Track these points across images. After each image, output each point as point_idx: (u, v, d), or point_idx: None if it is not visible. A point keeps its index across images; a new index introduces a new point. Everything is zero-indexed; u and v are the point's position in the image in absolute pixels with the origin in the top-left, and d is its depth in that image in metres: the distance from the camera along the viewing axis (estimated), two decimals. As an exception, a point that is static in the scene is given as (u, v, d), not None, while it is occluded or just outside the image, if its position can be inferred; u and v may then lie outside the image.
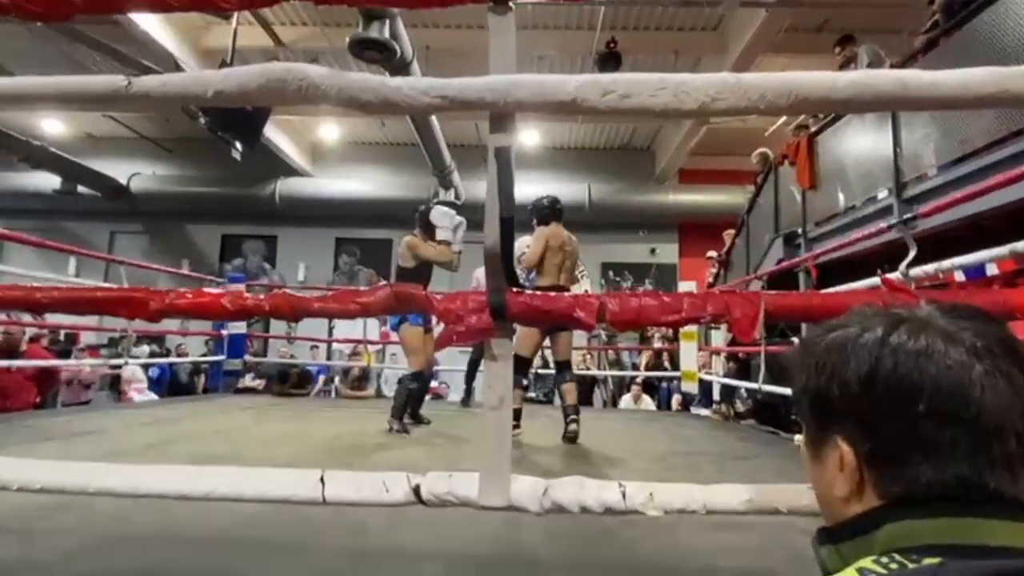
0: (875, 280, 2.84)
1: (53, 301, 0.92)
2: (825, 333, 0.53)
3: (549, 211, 3.54)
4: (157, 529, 1.44)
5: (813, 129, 5.55)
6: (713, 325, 3.77)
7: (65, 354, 7.31)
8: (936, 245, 2.65)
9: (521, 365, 3.15)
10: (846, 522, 0.48)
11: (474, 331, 0.88)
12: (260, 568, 1.28)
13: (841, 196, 5.15)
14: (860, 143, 4.96)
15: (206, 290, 0.91)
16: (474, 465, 0.88)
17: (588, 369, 7.97)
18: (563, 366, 3.34)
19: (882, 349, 0.47)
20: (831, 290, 3.43)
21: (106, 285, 5.51)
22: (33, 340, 5.02)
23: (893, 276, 2.52)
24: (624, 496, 0.81)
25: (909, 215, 2.69)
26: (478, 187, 9.87)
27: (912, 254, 2.31)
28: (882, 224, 4.11)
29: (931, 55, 3.85)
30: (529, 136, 10.03)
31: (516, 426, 3.18)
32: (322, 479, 0.85)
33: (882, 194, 4.48)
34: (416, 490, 0.84)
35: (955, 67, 0.84)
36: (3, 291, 0.92)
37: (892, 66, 4.49)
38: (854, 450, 0.47)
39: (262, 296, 0.94)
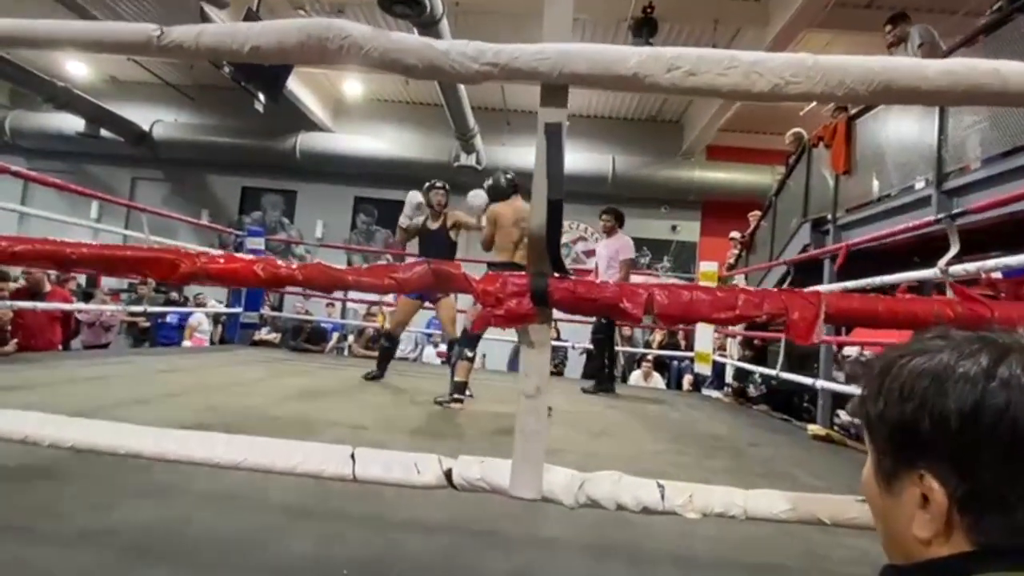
0: (912, 274, 2.76)
1: (81, 258, 0.90)
2: (910, 356, 0.47)
3: (508, 189, 3.52)
4: (178, 484, 1.46)
5: (853, 111, 5.34)
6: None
7: (87, 297, 7.46)
8: (964, 240, 2.54)
9: (475, 339, 3.32)
10: (925, 564, 0.43)
11: (513, 316, 0.84)
12: (279, 532, 1.29)
13: (876, 183, 4.98)
14: (902, 129, 4.77)
15: (238, 255, 0.88)
16: (505, 452, 0.86)
17: (600, 343, 7.95)
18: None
19: (988, 382, 0.41)
20: (863, 281, 3.35)
21: (135, 244, 5.55)
22: (62, 283, 5.09)
23: (930, 272, 2.43)
24: (663, 496, 0.79)
25: (958, 209, 2.58)
26: (499, 153, 9.72)
27: (954, 250, 2.21)
28: (918, 214, 3.99)
29: (992, 40, 3.63)
30: (555, 102, 9.81)
31: (459, 400, 3.15)
32: (353, 456, 0.83)
33: (920, 184, 4.32)
34: (448, 474, 0.83)
35: (1018, 56, 0.76)
36: (33, 245, 0.90)
37: (947, 50, 4.26)
38: (945, 490, 0.42)
39: (295, 265, 0.91)
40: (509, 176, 3.55)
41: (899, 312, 0.78)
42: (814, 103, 8.04)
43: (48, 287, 4.59)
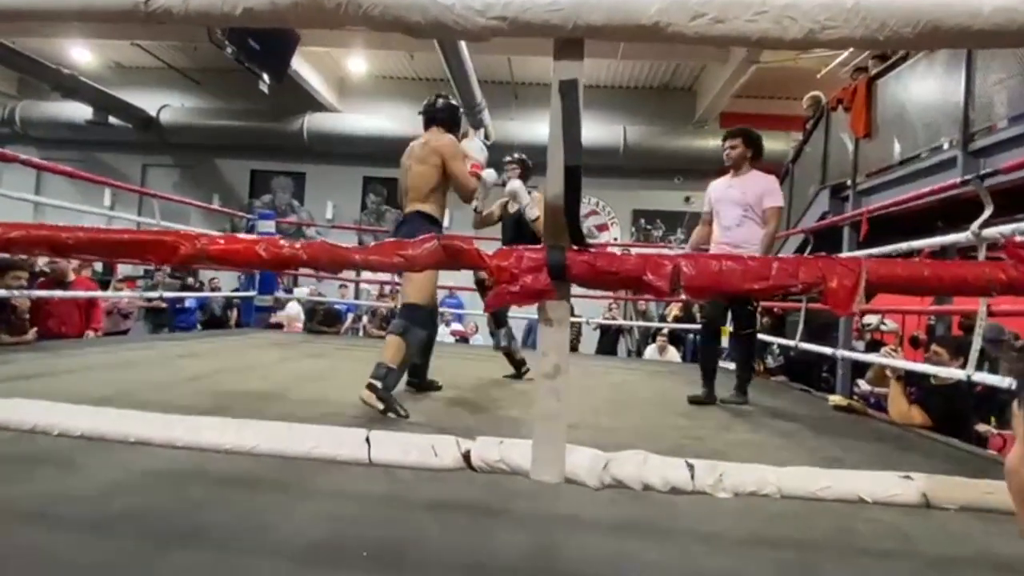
0: (943, 238, 2.66)
1: (79, 243, 0.87)
2: None
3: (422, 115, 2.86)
4: (191, 468, 1.45)
5: (874, 72, 5.14)
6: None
7: (104, 284, 7.55)
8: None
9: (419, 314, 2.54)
10: None
11: (530, 292, 0.79)
12: (297, 514, 1.28)
13: (897, 146, 4.82)
14: (926, 88, 4.58)
15: (240, 236, 0.84)
16: (524, 432, 0.83)
17: (614, 319, 7.91)
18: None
19: None
20: (895, 245, 3.24)
21: (134, 228, 5.57)
22: (78, 271, 5.17)
23: (962, 236, 2.34)
24: (692, 476, 0.75)
25: (988, 170, 2.47)
26: (508, 127, 9.57)
27: (988, 212, 2.12)
28: (943, 176, 3.85)
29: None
30: (563, 74, 9.59)
31: (372, 387, 2.32)
32: (368, 440, 0.80)
33: (944, 145, 4.17)
34: (466, 456, 0.79)
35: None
36: (28, 231, 0.87)
37: None
38: None
39: (299, 244, 0.87)
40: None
41: (946, 278, 0.72)
42: (834, 63, 7.78)
43: (72, 276, 4.64)
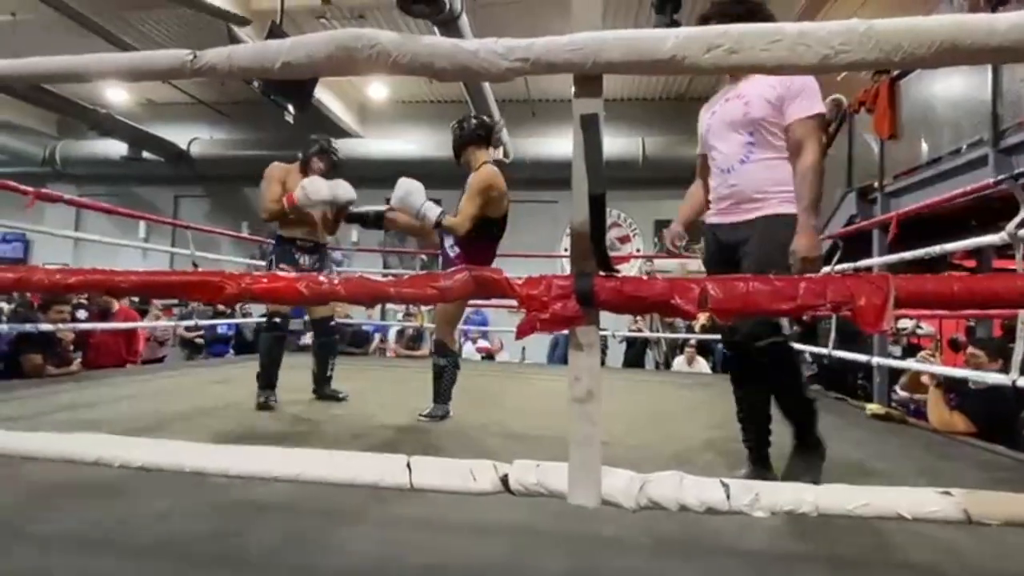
0: (976, 240, 2.60)
1: (132, 285, 0.93)
2: None
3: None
4: (233, 495, 1.50)
5: (895, 72, 5.07)
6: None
7: (142, 312, 7.80)
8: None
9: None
10: None
11: (559, 319, 0.82)
12: (339, 538, 1.31)
13: (925, 146, 4.74)
14: (952, 87, 4.51)
15: (281, 274, 0.89)
16: (557, 454, 0.84)
17: (640, 331, 7.84)
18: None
19: None
20: (937, 247, 3.18)
21: (181, 258, 5.75)
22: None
23: (996, 238, 2.29)
24: (728, 496, 0.76)
25: (1021, 169, 2.42)
26: (526, 145, 9.66)
27: (1023, 213, 2.08)
28: (974, 175, 3.77)
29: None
30: (580, 89, 9.65)
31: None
32: (409, 465, 0.83)
33: (974, 143, 4.08)
34: (504, 480, 0.82)
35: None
36: (85, 275, 0.93)
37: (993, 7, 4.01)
38: None
39: (336, 280, 0.91)
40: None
41: (977, 292, 0.72)
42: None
43: (116, 306, 4.83)
